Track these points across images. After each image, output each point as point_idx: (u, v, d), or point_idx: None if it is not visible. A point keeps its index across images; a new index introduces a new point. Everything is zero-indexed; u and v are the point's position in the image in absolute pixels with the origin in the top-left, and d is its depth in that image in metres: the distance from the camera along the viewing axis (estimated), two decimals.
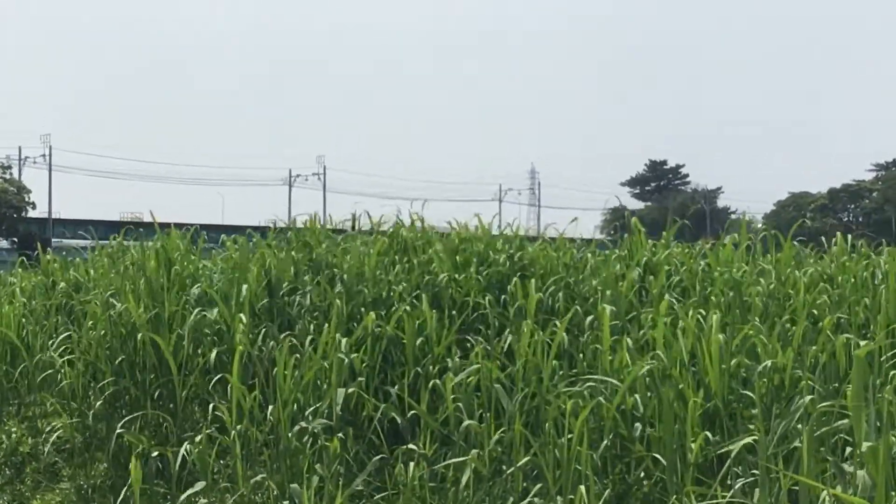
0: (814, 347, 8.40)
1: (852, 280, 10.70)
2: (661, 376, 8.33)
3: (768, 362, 8.28)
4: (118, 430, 10.33)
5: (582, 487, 7.62)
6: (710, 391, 8.22)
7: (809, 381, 7.83)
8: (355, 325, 10.53)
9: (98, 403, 11.05)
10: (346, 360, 9.67)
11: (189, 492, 9.25)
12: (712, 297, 10.41)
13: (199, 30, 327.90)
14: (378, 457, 9.07)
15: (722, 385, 8.21)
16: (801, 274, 11.07)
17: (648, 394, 8.38)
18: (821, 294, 10.25)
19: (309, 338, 10.39)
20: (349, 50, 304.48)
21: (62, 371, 11.85)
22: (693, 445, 7.70)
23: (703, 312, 9.44)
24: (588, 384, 8.54)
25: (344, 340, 9.87)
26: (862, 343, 7.94)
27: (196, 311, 11.32)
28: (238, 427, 9.36)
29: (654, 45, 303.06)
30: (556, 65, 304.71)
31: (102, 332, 11.50)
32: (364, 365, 9.91)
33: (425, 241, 13.16)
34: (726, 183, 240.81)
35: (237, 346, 10.05)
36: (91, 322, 11.89)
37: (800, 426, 7.25)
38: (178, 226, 14.51)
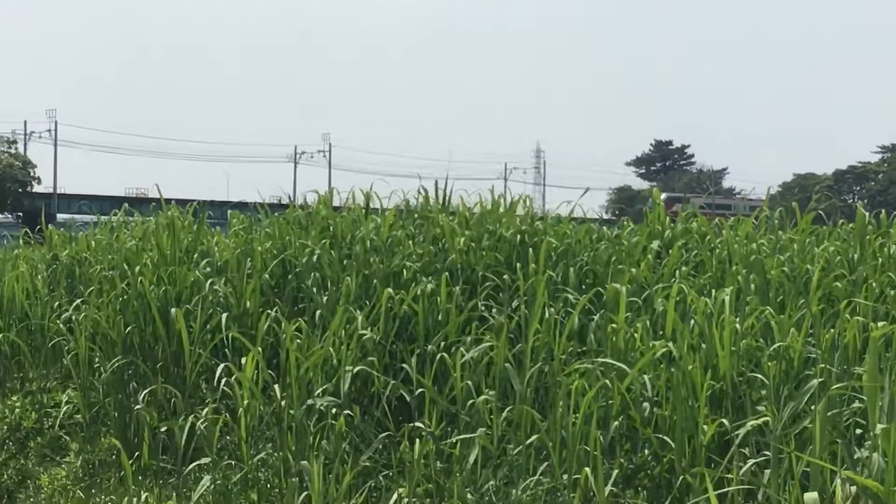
0: (832, 330, 8.30)
1: (875, 258, 10.61)
2: (671, 358, 8.25)
3: (779, 344, 8.21)
4: (135, 407, 10.28)
5: (587, 469, 7.56)
6: (720, 372, 8.15)
7: (823, 364, 7.74)
8: (367, 302, 10.47)
9: (106, 376, 10.97)
10: (357, 336, 9.62)
11: (193, 465, 9.23)
12: (732, 275, 10.31)
13: (207, 6, 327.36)
14: (385, 434, 9.01)
15: (732, 366, 8.14)
16: (820, 250, 11.00)
17: (658, 374, 8.31)
18: (839, 274, 10.15)
19: (318, 312, 10.38)
20: (356, 29, 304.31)
21: (68, 345, 11.81)
22: (705, 427, 7.63)
23: (717, 289, 9.39)
24: (597, 364, 8.45)
25: (359, 318, 9.82)
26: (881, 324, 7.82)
27: (208, 282, 11.28)
28: (245, 403, 9.29)
29: (661, 25, 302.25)
30: (563, 44, 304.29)
31: (110, 305, 11.43)
32: (376, 342, 9.85)
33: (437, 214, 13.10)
34: (732, 164, 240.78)
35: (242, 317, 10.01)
36: (102, 296, 11.82)
37: (812, 407, 7.17)
38: (183, 201, 14.44)
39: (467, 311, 10.07)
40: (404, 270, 11.13)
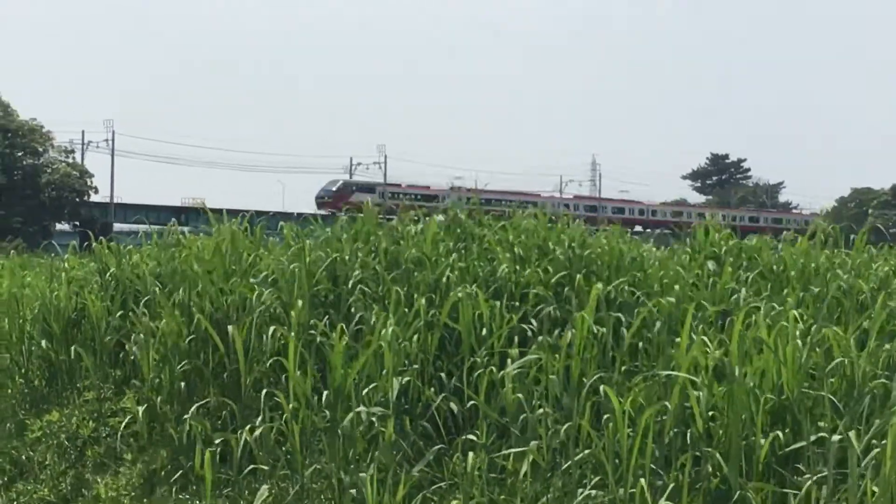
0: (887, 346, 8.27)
1: None
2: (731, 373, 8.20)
3: (842, 359, 8.17)
4: (184, 417, 10.35)
5: (642, 481, 7.55)
6: (782, 389, 8.12)
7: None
8: (411, 311, 10.48)
9: (166, 387, 11.06)
10: (401, 349, 9.66)
11: (247, 470, 9.28)
12: (794, 293, 10.28)
13: (262, 19, 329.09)
14: (437, 447, 9.04)
15: (795, 383, 8.10)
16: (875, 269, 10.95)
17: (713, 388, 8.28)
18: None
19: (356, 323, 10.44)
20: (412, 39, 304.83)
21: (125, 355, 11.94)
22: (763, 442, 7.61)
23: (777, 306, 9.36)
24: (652, 378, 8.44)
25: (393, 328, 9.85)
26: None
27: (264, 293, 11.36)
28: (296, 414, 9.33)
29: (720, 39, 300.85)
30: (621, 57, 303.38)
31: (169, 317, 11.51)
32: (419, 354, 9.89)
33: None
34: (788, 178, 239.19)
35: (294, 330, 10.05)
36: (158, 308, 11.92)
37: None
38: (236, 212, 14.53)
39: (515, 322, 10.06)
40: (451, 283, 11.16)
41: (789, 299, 9.81)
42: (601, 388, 8.56)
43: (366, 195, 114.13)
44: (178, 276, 12.55)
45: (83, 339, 12.74)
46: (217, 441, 9.80)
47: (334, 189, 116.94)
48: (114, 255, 14.15)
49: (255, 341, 10.72)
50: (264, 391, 9.80)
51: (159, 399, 11.08)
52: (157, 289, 12.53)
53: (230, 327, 10.73)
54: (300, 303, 10.87)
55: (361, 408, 9.08)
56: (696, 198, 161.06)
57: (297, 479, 9.15)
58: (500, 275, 11.26)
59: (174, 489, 10.02)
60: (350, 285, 11.50)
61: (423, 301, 10.37)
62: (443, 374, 9.81)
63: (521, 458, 8.32)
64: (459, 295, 10.22)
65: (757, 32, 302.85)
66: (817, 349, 8.47)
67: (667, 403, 8.08)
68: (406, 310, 10.49)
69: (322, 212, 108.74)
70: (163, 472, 10.42)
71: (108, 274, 13.67)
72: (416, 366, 9.70)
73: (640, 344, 9.46)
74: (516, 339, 9.80)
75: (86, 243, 16.36)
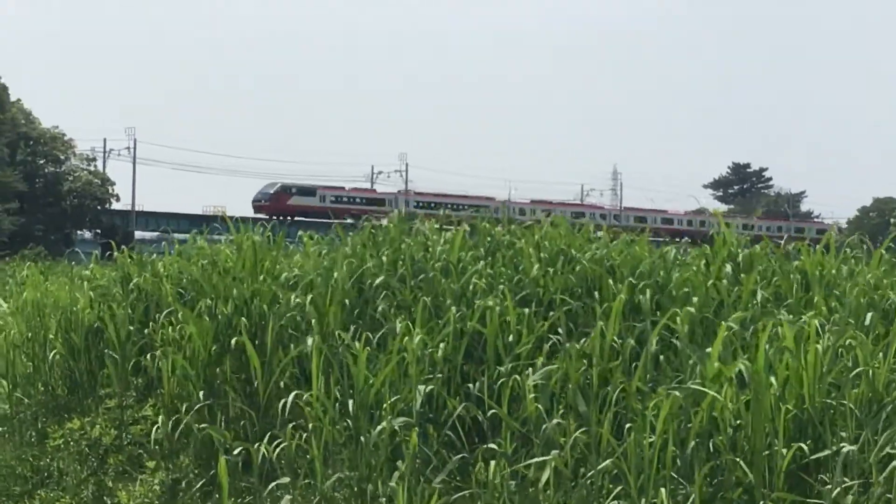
0: None
1: None
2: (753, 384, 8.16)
3: (864, 368, 8.14)
4: (201, 426, 10.37)
5: (663, 490, 7.53)
6: (803, 398, 8.09)
7: None
8: (439, 321, 10.47)
9: (194, 397, 11.07)
10: (426, 357, 9.65)
11: (271, 486, 9.28)
12: (819, 303, 10.25)
13: (283, 28, 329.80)
14: (459, 456, 9.03)
15: (817, 393, 8.07)
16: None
17: (736, 399, 8.25)
18: None
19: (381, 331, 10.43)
20: (431, 50, 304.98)
21: (147, 362, 11.97)
22: (784, 451, 7.58)
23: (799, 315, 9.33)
24: (675, 387, 8.42)
25: (419, 337, 9.84)
26: None
27: (285, 301, 11.36)
28: (318, 424, 9.32)
29: (738, 47, 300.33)
30: (640, 65, 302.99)
31: (192, 326, 11.52)
32: (445, 362, 9.88)
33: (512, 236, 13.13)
34: (810, 187, 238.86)
35: (316, 341, 10.04)
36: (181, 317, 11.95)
37: None
38: (259, 219, 14.54)
39: (539, 332, 10.05)
40: (476, 291, 11.16)
41: (810, 311, 9.75)
42: (622, 396, 8.57)
43: (305, 199, 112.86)
44: (200, 284, 12.58)
45: (105, 347, 12.74)
46: (238, 450, 9.81)
47: (271, 192, 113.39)
48: (136, 265, 14.19)
49: (272, 351, 10.73)
50: (283, 400, 9.80)
51: (185, 407, 11.05)
52: (179, 298, 12.57)
53: (246, 339, 10.74)
54: (330, 311, 10.90)
55: (385, 421, 9.06)
56: (718, 207, 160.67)
57: (318, 489, 9.13)
58: (528, 282, 11.26)
59: (196, 497, 10.02)
60: (375, 293, 11.51)
61: (454, 309, 10.35)
62: (470, 385, 9.76)
63: (542, 468, 8.31)
64: (489, 303, 10.27)
65: (782, 42, 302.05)
66: (840, 358, 8.44)
67: (690, 408, 8.08)
68: (435, 318, 10.51)
69: (260, 216, 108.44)
70: (184, 481, 10.43)
71: (130, 283, 13.71)
72: (439, 374, 9.69)
73: (662, 355, 9.42)
74: (546, 346, 9.77)
75: (108, 252, 16.38)
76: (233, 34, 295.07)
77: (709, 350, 8.65)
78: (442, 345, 9.98)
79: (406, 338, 9.76)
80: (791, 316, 9.56)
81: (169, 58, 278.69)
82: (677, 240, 14.42)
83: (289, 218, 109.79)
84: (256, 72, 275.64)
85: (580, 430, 8.51)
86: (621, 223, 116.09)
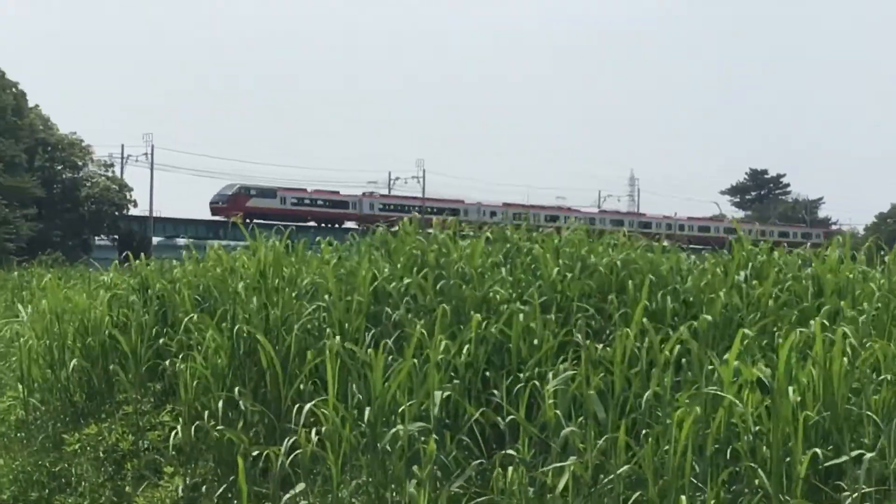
0: None
1: None
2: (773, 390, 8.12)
3: (887, 375, 8.10)
4: (219, 428, 10.36)
5: (683, 498, 7.50)
6: (825, 405, 8.05)
7: None
8: (461, 327, 10.46)
9: (212, 403, 11.06)
10: (448, 362, 9.64)
11: (290, 494, 9.26)
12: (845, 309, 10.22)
13: (300, 33, 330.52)
14: (477, 461, 9.00)
15: (838, 399, 8.03)
16: None
17: (756, 405, 8.22)
18: None
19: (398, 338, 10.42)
20: (447, 54, 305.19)
21: (164, 368, 11.99)
22: (803, 459, 7.54)
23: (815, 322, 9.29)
24: (694, 394, 8.39)
25: (443, 343, 9.83)
26: None
27: (309, 309, 11.36)
28: (332, 429, 9.30)
29: (757, 52, 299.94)
30: (658, 70, 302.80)
31: (211, 333, 11.52)
32: (467, 367, 9.88)
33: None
34: (828, 193, 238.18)
35: (333, 346, 10.03)
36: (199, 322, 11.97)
37: None
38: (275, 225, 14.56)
39: (560, 337, 10.04)
40: (496, 297, 11.16)
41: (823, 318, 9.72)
42: (642, 402, 8.55)
43: (265, 200, 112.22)
44: (218, 291, 12.60)
45: (122, 353, 12.76)
46: (254, 454, 9.81)
47: (230, 194, 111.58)
48: (154, 272, 14.22)
49: (291, 357, 10.73)
50: (300, 406, 9.79)
51: (206, 413, 11.02)
52: (197, 304, 12.60)
53: (265, 344, 10.74)
54: (348, 317, 10.90)
55: (400, 427, 9.04)
56: (735, 213, 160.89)
57: (335, 496, 9.10)
58: (547, 287, 11.25)
59: (215, 502, 10.02)
60: (395, 299, 11.51)
61: (478, 315, 10.33)
62: (494, 391, 9.73)
63: (560, 474, 8.28)
64: (515, 308, 10.33)
65: (800, 49, 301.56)
66: (861, 363, 8.41)
67: (708, 415, 8.05)
68: (456, 324, 10.50)
69: (217, 218, 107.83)
70: (203, 487, 10.42)
71: (147, 290, 13.73)
72: (456, 381, 9.67)
73: (683, 359, 9.39)
74: (570, 352, 9.75)
75: (125, 255, 16.42)
76: (234, 34, 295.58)
77: (726, 356, 8.64)
78: (465, 350, 9.97)
79: (425, 343, 9.75)
80: (810, 322, 9.54)
81: (189, 66, 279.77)
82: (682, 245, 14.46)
83: (247, 220, 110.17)
84: (276, 79, 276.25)
85: (600, 438, 8.49)
86: (597, 226, 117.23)
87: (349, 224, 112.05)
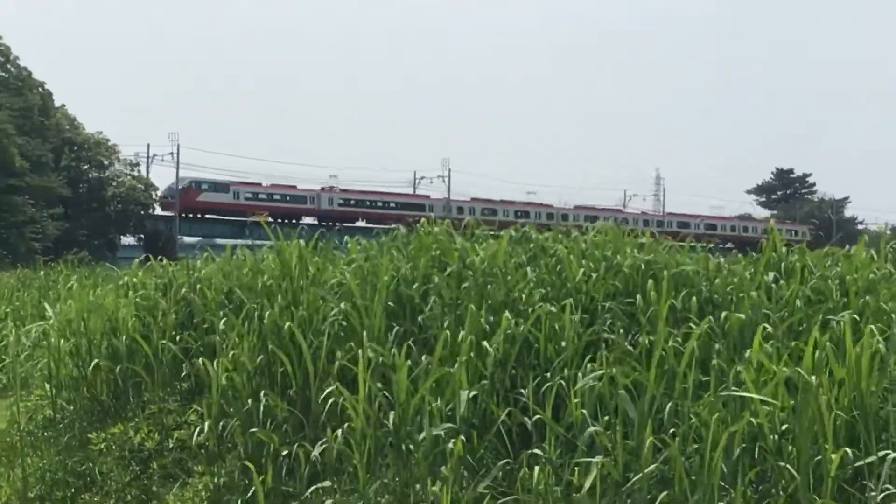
0: None
1: None
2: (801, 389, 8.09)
3: None
4: (252, 430, 10.36)
5: (721, 501, 7.47)
6: (853, 404, 8.02)
7: None
8: (486, 328, 10.46)
9: (240, 401, 11.07)
10: (474, 364, 9.64)
11: (312, 488, 9.27)
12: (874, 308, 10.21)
13: (326, 34, 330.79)
14: (503, 461, 9.00)
15: (867, 398, 8.00)
16: None
17: (783, 404, 8.20)
18: None
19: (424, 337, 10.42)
20: (472, 54, 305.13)
21: (193, 371, 12.01)
22: (833, 457, 7.51)
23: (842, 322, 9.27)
24: (724, 394, 8.37)
25: (482, 343, 9.85)
26: None
27: (334, 309, 11.37)
28: (359, 428, 9.30)
29: (784, 51, 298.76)
30: (684, 69, 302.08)
31: (238, 332, 11.53)
32: (498, 365, 9.87)
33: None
34: (854, 193, 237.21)
35: (365, 349, 10.04)
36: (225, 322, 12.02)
37: None
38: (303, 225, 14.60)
39: (587, 337, 10.04)
40: (522, 296, 11.16)
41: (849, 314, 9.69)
42: (669, 403, 8.54)
43: (217, 195, 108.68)
44: (245, 291, 12.63)
45: (148, 353, 12.78)
46: (284, 454, 9.83)
47: (180, 188, 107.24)
48: (180, 271, 14.27)
49: (318, 357, 10.74)
50: (330, 401, 9.81)
51: (232, 410, 11.02)
52: (224, 305, 12.64)
53: (299, 340, 10.74)
54: (375, 317, 10.90)
55: (426, 428, 9.05)
56: (761, 212, 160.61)
57: (360, 494, 9.10)
58: (572, 288, 11.25)
59: (242, 502, 10.02)
60: (420, 299, 11.52)
61: (508, 315, 10.32)
62: (522, 391, 9.71)
63: (587, 473, 8.26)
64: (546, 309, 10.32)
65: (824, 46, 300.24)
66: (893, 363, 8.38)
67: (748, 419, 8.02)
68: (485, 324, 10.50)
69: (167, 213, 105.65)
70: (230, 486, 10.43)
71: (173, 290, 13.76)
72: (485, 381, 9.66)
73: (708, 359, 9.37)
74: (595, 352, 9.74)
75: (147, 254, 16.44)
76: (280, 41, 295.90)
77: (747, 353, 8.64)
78: (493, 349, 9.96)
79: (454, 344, 9.77)
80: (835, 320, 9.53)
81: (216, 66, 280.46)
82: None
83: (199, 215, 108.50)
84: (298, 78, 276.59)
85: (628, 437, 8.49)
86: (570, 222, 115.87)
87: (307, 220, 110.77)
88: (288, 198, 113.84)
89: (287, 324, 11.16)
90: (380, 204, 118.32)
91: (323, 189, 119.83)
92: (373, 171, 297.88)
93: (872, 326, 8.74)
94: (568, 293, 11.19)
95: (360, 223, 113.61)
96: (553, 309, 10.43)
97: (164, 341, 12.65)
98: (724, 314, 10.06)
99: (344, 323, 11.27)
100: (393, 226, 14.75)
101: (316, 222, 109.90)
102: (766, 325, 9.62)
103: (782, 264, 12.26)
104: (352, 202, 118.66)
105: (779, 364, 8.49)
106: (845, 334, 8.50)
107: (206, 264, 15.05)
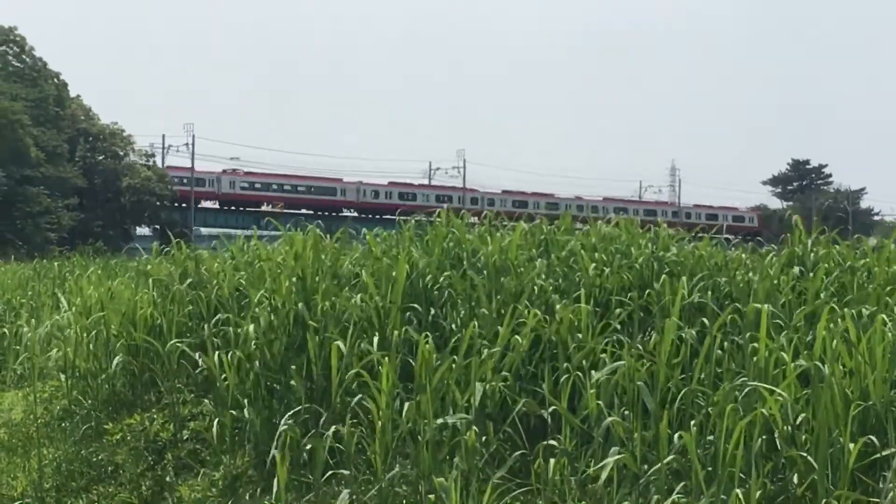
0: None
1: None
2: (817, 378, 8.07)
3: None
4: (276, 421, 10.34)
5: (738, 490, 7.44)
6: (869, 394, 8.00)
7: None
8: (501, 320, 10.44)
9: (255, 393, 11.07)
10: (492, 354, 9.65)
11: (327, 474, 9.28)
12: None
13: (341, 27, 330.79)
14: (519, 452, 9.00)
15: (885, 388, 7.98)
16: None
17: (799, 395, 8.19)
18: None
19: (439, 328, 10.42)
20: (487, 49, 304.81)
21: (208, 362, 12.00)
22: (851, 447, 7.48)
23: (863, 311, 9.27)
24: (740, 385, 8.36)
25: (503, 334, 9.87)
26: None
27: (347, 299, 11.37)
28: (380, 420, 9.31)
29: (800, 42, 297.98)
30: (698, 61, 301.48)
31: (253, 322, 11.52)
32: (518, 359, 9.89)
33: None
34: (871, 184, 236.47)
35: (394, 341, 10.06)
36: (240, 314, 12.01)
37: None
38: (315, 217, 14.58)
39: (601, 331, 10.03)
40: (535, 289, 11.14)
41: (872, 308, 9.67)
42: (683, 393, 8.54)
43: None
44: (260, 282, 12.61)
45: (163, 344, 12.77)
46: (301, 445, 9.82)
47: None
48: (194, 262, 14.26)
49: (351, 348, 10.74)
50: (351, 398, 9.82)
51: (246, 401, 11.01)
52: (238, 295, 12.65)
53: (329, 338, 10.72)
54: (392, 310, 10.91)
55: (441, 418, 9.06)
56: (777, 204, 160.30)
57: (376, 485, 9.10)
58: (586, 281, 11.22)
59: (258, 491, 10.02)
60: (435, 292, 11.52)
61: (532, 309, 10.31)
62: (542, 383, 9.69)
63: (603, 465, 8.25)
64: (565, 306, 10.33)
65: (840, 36, 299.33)
66: None
67: (760, 409, 8.00)
68: (497, 318, 10.49)
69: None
70: (245, 476, 10.43)
71: (187, 281, 13.75)
72: (506, 373, 9.66)
73: (725, 347, 9.35)
74: (609, 344, 9.74)
75: (162, 244, 16.40)
76: (287, 31, 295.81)
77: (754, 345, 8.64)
78: (514, 341, 9.97)
79: (471, 336, 9.78)
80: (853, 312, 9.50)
81: (231, 58, 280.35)
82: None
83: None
84: (312, 70, 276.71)
85: (645, 428, 8.48)
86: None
87: (206, 204, 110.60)
88: (185, 180, 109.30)
89: (302, 316, 11.18)
90: (287, 188, 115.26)
91: (224, 171, 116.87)
92: (386, 161, 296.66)
93: (884, 316, 8.74)
94: (581, 286, 11.18)
95: (266, 207, 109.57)
96: (569, 303, 10.42)
97: (174, 340, 12.55)
98: (744, 308, 10.03)
99: (361, 316, 11.22)
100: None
101: (217, 206, 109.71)
102: (778, 313, 9.62)
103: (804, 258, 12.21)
104: (257, 185, 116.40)
105: (790, 354, 8.52)
106: (849, 325, 8.51)
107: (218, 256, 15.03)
